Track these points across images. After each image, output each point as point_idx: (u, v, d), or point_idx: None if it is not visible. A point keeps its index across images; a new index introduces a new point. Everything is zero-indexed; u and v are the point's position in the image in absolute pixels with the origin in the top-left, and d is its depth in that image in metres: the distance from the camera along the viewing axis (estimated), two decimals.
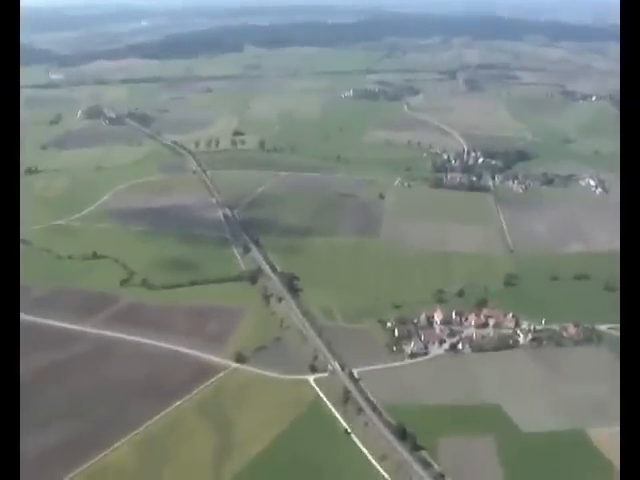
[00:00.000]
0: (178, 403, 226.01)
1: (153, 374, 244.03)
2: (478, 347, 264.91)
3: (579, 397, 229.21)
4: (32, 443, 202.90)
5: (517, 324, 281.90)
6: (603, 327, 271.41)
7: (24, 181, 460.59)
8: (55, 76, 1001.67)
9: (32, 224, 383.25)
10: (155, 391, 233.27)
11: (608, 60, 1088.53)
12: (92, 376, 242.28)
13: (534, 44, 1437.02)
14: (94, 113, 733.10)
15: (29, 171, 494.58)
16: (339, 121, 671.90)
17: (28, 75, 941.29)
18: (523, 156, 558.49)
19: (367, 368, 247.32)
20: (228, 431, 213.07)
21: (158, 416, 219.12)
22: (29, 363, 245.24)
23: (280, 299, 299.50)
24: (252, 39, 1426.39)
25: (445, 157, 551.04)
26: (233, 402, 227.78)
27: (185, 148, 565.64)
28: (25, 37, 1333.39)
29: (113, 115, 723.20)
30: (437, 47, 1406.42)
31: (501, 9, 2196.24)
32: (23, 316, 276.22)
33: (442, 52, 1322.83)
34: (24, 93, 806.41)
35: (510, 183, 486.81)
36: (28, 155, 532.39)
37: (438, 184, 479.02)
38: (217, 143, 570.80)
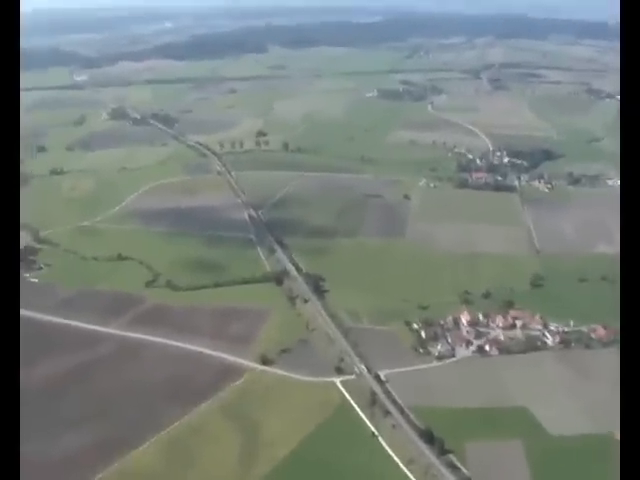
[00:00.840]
0: (203, 405, 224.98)
1: (178, 376, 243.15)
2: (505, 349, 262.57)
3: (608, 400, 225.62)
4: (56, 444, 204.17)
5: (545, 326, 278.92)
6: None
7: (50, 182, 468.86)
8: (80, 77, 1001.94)
9: (58, 225, 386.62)
10: (180, 393, 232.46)
11: None
12: (117, 377, 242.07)
13: (558, 43, 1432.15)
14: (119, 114, 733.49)
15: (54, 172, 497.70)
16: (363, 121, 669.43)
17: (53, 77, 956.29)
18: (549, 155, 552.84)
19: (394, 370, 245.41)
20: (254, 434, 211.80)
21: (183, 418, 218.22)
22: (55, 364, 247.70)
23: (306, 300, 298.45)
24: (276, 40, 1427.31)
25: (470, 157, 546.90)
26: (259, 404, 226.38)
27: (209, 149, 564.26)
28: (50, 39, 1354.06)
29: (137, 116, 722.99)
30: (461, 46, 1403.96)
31: (524, 8, 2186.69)
32: (49, 317, 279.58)
33: (466, 51, 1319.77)
34: (49, 95, 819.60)
35: (536, 183, 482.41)
36: (53, 156, 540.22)
37: (463, 184, 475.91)
38: (241, 144, 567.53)
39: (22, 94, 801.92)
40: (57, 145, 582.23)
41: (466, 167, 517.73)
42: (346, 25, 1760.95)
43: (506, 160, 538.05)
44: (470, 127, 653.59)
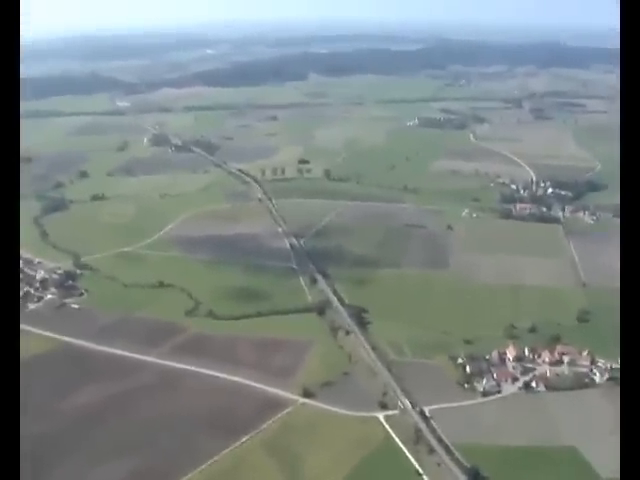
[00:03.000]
0: (245, 438, 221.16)
1: (219, 407, 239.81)
2: (552, 386, 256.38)
3: None
4: (91, 475, 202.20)
5: (592, 362, 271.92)
6: None
7: (91, 207, 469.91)
8: (121, 103, 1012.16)
9: (99, 251, 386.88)
10: (221, 425, 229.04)
11: None
12: (156, 408, 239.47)
13: (600, 72, 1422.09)
14: (160, 140, 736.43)
15: (96, 197, 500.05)
16: (405, 150, 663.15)
17: (95, 102, 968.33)
18: (593, 187, 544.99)
19: (438, 406, 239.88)
20: (296, 469, 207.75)
21: (224, 451, 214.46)
22: (93, 392, 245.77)
23: (348, 332, 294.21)
24: (316, 67, 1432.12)
25: (513, 187, 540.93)
26: (301, 438, 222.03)
27: (251, 176, 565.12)
28: (91, 65, 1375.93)
29: (179, 142, 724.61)
30: (502, 75, 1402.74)
31: (565, 37, 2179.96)
32: (90, 344, 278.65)
33: (507, 80, 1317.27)
34: (91, 120, 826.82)
35: (581, 214, 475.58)
36: (95, 182, 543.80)
37: (507, 215, 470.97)
38: (283, 171, 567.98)
39: (66, 119, 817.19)
40: (99, 170, 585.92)
41: (509, 198, 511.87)
42: (386, 53, 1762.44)
43: (550, 191, 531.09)
44: (513, 157, 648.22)
